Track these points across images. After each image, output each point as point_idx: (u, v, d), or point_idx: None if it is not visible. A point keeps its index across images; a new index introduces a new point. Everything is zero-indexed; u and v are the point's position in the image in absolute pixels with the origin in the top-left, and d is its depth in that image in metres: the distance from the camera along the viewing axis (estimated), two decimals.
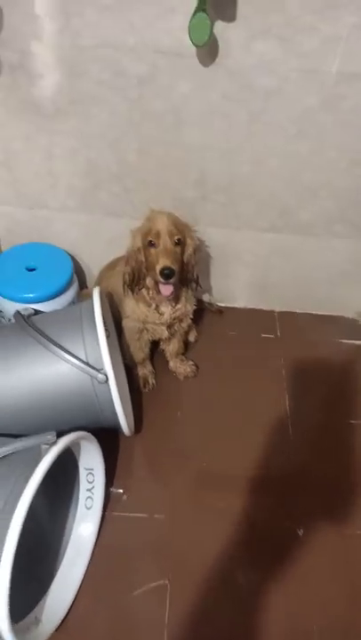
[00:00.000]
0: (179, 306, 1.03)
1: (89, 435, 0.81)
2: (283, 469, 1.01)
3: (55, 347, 0.85)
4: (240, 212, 1.14)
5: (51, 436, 0.71)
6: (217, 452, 1.04)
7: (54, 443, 0.71)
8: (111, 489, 0.94)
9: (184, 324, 1.10)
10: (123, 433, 0.94)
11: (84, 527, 0.87)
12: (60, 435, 0.74)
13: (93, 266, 1.29)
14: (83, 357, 0.85)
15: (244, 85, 0.94)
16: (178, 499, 0.96)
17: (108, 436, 0.94)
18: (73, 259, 1.24)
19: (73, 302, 1.16)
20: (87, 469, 0.87)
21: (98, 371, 0.83)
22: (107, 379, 0.84)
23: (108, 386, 0.84)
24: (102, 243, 1.23)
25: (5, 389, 0.85)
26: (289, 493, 0.97)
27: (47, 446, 0.70)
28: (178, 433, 1.07)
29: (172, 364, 1.18)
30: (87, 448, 0.83)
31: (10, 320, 1.08)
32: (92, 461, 0.86)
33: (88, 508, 0.88)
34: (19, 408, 0.86)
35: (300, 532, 0.91)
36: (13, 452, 0.72)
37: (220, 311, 1.34)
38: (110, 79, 0.95)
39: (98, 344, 0.85)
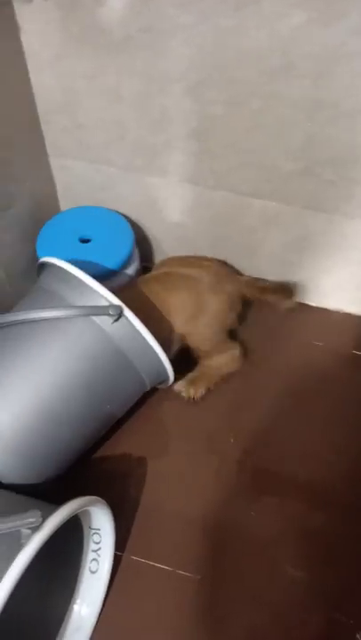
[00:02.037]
0: None
1: (87, 499, 0.63)
2: None
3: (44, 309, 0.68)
4: (356, 195, 0.86)
5: (34, 518, 0.53)
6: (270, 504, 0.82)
7: (37, 527, 0.53)
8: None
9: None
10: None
11: (85, 602, 0.71)
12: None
13: (162, 238, 1.07)
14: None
15: None
16: (211, 556, 0.76)
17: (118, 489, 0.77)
18: (136, 228, 1.03)
19: None
20: (93, 529, 0.69)
21: (104, 307, 0.67)
22: (120, 308, 0.67)
23: (129, 325, 0.68)
24: (173, 212, 1.00)
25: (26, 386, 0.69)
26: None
27: (29, 531, 0.52)
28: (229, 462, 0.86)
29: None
30: (92, 509, 0.66)
31: None
32: (97, 521, 0.69)
33: (93, 572, 0.71)
34: (46, 403, 0.70)
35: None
36: None
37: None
38: (198, 0, 0.69)
39: (89, 288, 0.68)
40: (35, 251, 1.00)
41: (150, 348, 0.71)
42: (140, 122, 0.86)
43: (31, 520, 0.53)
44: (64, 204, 1.08)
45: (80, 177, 1.01)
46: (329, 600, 0.73)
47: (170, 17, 0.71)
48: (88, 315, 0.68)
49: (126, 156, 0.93)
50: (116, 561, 0.73)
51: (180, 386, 0.91)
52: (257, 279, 1.01)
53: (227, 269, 0.98)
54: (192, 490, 0.83)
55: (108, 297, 0.68)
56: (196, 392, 0.92)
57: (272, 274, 1.03)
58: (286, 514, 0.81)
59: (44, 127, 0.94)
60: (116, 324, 0.68)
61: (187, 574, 0.75)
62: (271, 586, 0.74)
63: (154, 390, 0.89)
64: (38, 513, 0.54)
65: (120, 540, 0.72)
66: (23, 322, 0.70)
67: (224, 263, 1.03)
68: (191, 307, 0.86)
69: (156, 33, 0.74)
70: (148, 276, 0.93)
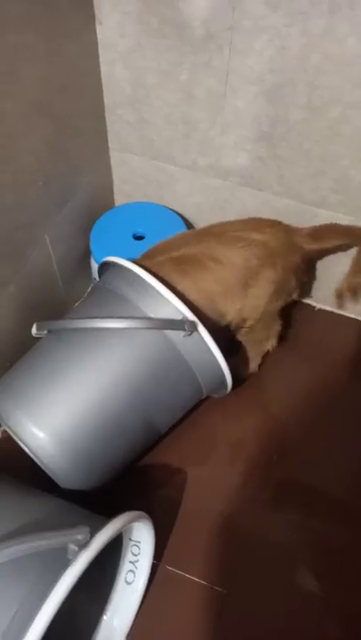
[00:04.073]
0: None
1: (133, 515, 0.61)
2: None
3: (118, 318, 0.66)
4: None
5: (82, 536, 0.51)
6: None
7: (85, 545, 0.51)
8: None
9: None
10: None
11: (117, 612, 0.70)
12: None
13: None
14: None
15: None
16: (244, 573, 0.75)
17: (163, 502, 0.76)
18: (190, 228, 1.01)
19: None
20: (133, 541, 0.68)
21: (180, 322, 0.65)
22: (194, 325, 0.65)
23: (198, 337, 0.67)
24: (230, 216, 0.97)
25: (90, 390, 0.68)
26: None
27: (76, 548, 0.51)
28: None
29: None
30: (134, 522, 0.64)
31: None
32: (139, 533, 0.68)
33: (128, 583, 0.70)
34: (113, 405, 0.69)
35: None
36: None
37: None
38: (291, 0, 0.66)
39: (161, 296, 0.66)
40: (87, 244, 0.98)
41: (216, 362, 0.69)
42: (208, 121, 0.84)
43: (79, 537, 0.52)
44: (119, 199, 1.06)
45: (139, 172, 0.99)
46: (348, 617, 0.72)
47: (258, 16, 0.69)
48: (163, 329, 0.67)
49: (190, 154, 0.90)
50: (152, 570, 0.72)
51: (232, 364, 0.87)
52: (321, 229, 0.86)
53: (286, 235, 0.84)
54: (228, 500, 0.81)
55: (184, 312, 0.66)
56: (250, 369, 0.91)
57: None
58: (307, 527, 0.79)
59: (108, 120, 0.92)
60: (186, 336, 0.66)
61: (217, 588, 0.74)
62: (290, 601, 0.73)
63: None
64: (87, 530, 0.53)
65: (156, 549, 0.70)
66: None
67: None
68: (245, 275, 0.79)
69: (240, 32, 0.71)
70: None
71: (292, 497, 0.82)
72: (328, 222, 0.85)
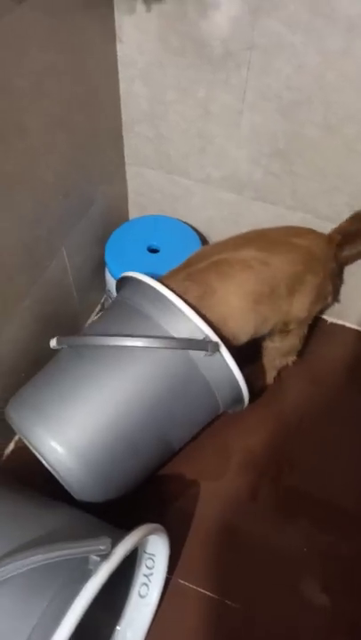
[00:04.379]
0: None
1: (151, 528, 0.61)
2: None
3: (141, 337, 0.67)
4: None
5: (103, 546, 0.51)
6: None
7: (107, 555, 0.51)
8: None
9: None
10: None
11: (131, 625, 0.70)
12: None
13: None
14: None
15: None
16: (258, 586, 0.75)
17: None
18: (204, 241, 1.02)
19: None
20: (147, 553, 0.68)
21: (202, 342, 0.65)
22: (217, 344, 0.65)
23: (218, 356, 0.67)
24: (244, 229, 0.98)
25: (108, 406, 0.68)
26: None
27: (98, 559, 0.51)
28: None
29: None
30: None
31: None
32: (154, 546, 0.68)
33: (142, 597, 0.70)
34: (132, 422, 0.69)
35: None
36: None
37: None
38: (309, 20, 0.67)
39: (183, 315, 0.66)
40: (101, 256, 0.99)
41: (235, 380, 0.70)
42: (224, 137, 0.85)
43: (101, 548, 0.52)
44: (133, 212, 1.08)
45: (154, 186, 1.00)
46: (354, 629, 0.71)
47: (277, 35, 0.70)
48: (185, 349, 0.67)
49: (205, 169, 0.92)
50: (165, 583, 0.71)
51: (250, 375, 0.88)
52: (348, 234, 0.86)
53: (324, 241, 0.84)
54: (240, 513, 0.81)
55: (207, 332, 0.67)
56: (266, 382, 0.92)
57: (349, 300, 1.01)
58: (318, 540, 0.79)
59: (125, 135, 0.94)
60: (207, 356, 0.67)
61: (228, 602, 0.73)
62: (299, 613, 0.73)
63: None
64: (108, 541, 0.53)
65: (169, 562, 0.70)
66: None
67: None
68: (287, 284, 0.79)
69: (259, 51, 0.73)
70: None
71: (303, 509, 0.82)
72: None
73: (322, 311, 1.04)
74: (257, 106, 0.79)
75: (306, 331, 0.90)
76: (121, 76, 0.85)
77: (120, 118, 0.90)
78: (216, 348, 0.66)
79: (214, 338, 0.66)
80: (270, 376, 0.94)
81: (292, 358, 0.93)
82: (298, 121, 0.78)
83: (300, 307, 0.80)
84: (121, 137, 0.93)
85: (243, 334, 0.76)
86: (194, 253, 0.81)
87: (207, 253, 0.77)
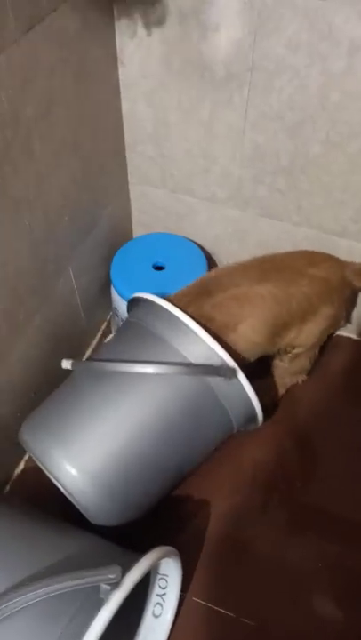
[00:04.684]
0: None
1: (163, 551, 0.61)
2: None
3: (157, 363, 0.67)
4: None
5: (113, 575, 0.51)
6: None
7: (118, 584, 0.51)
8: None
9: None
10: None
11: None
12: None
13: None
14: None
15: None
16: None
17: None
18: (210, 259, 1.02)
19: None
20: (160, 574, 0.68)
21: (220, 368, 0.65)
22: (234, 371, 0.66)
23: (235, 381, 0.67)
24: (249, 246, 0.99)
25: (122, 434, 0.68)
26: None
27: (108, 587, 0.51)
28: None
29: None
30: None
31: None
32: (167, 567, 0.67)
33: (156, 617, 0.69)
34: (148, 454, 0.69)
35: None
36: None
37: None
38: (310, 41, 0.68)
39: (200, 339, 0.66)
40: (107, 275, 1.00)
41: (251, 404, 0.70)
42: (228, 156, 0.86)
43: (111, 577, 0.52)
44: (137, 231, 1.09)
45: (158, 205, 1.01)
46: None
47: (279, 57, 0.71)
48: (202, 374, 0.67)
49: (209, 187, 0.93)
50: (179, 601, 0.71)
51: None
52: None
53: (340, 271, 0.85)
54: (252, 529, 0.81)
55: (224, 358, 0.67)
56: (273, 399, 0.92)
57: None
58: (329, 553, 0.78)
59: (128, 155, 0.95)
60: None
61: (244, 620, 0.73)
62: (313, 627, 0.72)
63: None
64: (118, 569, 0.53)
65: (183, 580, 0.70)
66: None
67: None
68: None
69: (260, 72, 0.74)
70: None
71: (315, 523, 0.82)
72: None
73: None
74: (260, 125, 0.80)
75: (317, 352, 0.90)
76: (123, 97, 0.86)
77: (123, 139, 0.91)
78: (233, 374, 0.66)
79: (231, 363, 0.66)
80: (279, 393, 0.94)
81: (301, 377, 0.94)
82: (301, 139, 0.79)
83: (308, 334, 0.81)
84: (124, 157, 0.94)
85: (251, 356, 0.78)
86: (208, 278, 0.81)
87: (224, 284, 0.77)
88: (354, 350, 1.05)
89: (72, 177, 0.78)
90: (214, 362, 0.67)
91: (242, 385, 0.67)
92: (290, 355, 0.85)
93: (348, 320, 0.97)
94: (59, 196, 0.76)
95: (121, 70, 0.83)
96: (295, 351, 0.84)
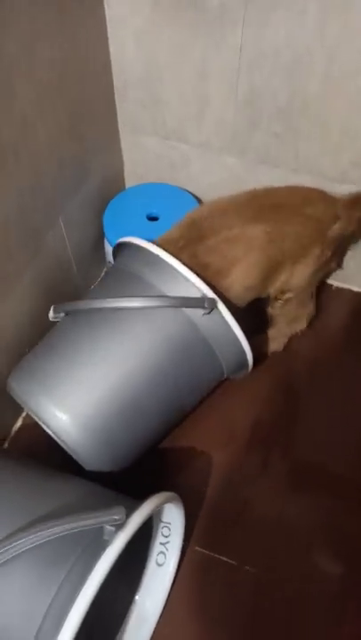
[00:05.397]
0: None
1: (166, 496, 0.61)
2: None
3: (134, 297, 0.66)
4: None
5: (118, 515, 0.51)
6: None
7: (122, 525, 0.51)
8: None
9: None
10: None
11: (150, 594, 0.70)
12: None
13: None
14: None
15: None
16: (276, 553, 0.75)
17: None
18: None
19: None
20: (163, 522, 0.68)
21: (199, 299, 0.65)
22: (214, 302, 0.65)
23: (218, 316, 0.66)
24: None
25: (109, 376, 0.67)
26: None
27: (112, 529, 0.50)
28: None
29: None
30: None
31: None
32: (169, 515, 0.68)
33: (160, 565, 0.70)
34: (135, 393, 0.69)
35: None
36: None
37: None
38: None
39: (180, 275, 0.65)
40: (100, 229, 0.97)
41: (238, 341, 0.68)
42: (223, 98, 0.82)
43: (115, 517, 0.52)
44: (130, 182, 1.05)
45: (151, 154, 0.97)
46: None
47: None
48: (181, 307, 0.66)
49: (203, 133, 0.89)
50: (181, 551, 0.72)
51: (257, 341, 0.90)
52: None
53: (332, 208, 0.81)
54: (249, 481, 0.82)
55: (203, 289, 0.65)
56: (275, 347, 0.92)
57: (354, 264, 0.99)
58: (325, 509, 0.79)
59: (118, 101, 0.90)
60: (206, 315, 0.66)
61: (247, 568, 0.74)
62: (313, 579, 0.73)
63: None
64: (123, 510, 0.52)
65: (184, 530, 0.71)
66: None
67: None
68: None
69: (255, 5, 0.69)
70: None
71: (314, 478, 0.82)
72: None
73: (326, 277, 1.03)
74: (255, 64, 0.76)
75: (312, 297, 0.88)
76: (110, 38, 0.81)
77: (112, 83, 0.87)
78: (213, 304, 0.65)
79: (211, 294, 0.65)
80: (280, 343, 0.93)
81: (301, 326, 0.92)
82: (299, 78, 0.75)
83: (299, 277, 0.79)
84: (114, 103, 0.90)
85: (244, 301, 0.77)
86: (200, 217, 0.77)
87: (217, 226, 0.74)
88: (352, 302, 1.03)
89: (58, 122, 0.75)
90: (194, 295, 0.66)
91: (224, 318, 0.66)
92: (280, 300, 0.84)
93: (339, 265, 0.94)
94: (45, 142, 0.73)
95: (107, 8, 0.78)
96: (286, 296, 0.82)
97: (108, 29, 0.80)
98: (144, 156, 0.98)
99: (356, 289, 1.05)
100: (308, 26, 0.69)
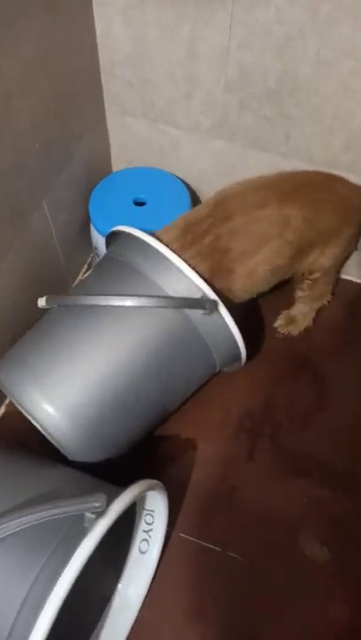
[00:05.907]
0: None
1: (149, 484, 0.60)
2: None
3: (135, 296, 0.64)
4: None
5: (99, 503, 0.50)
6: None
7: (103, 512, 0.50)
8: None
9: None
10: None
11: (132, 581, 0.69)
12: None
13: None
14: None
15: None
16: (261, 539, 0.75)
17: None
18: (194, 195, 0.98)
19: None
20: (146, 510, 0.67)
21: (200, 300, 0.63)
22: (215, 304, 0.63)
23: (216, 314, 0.65)
24: (235, 181, 0.94)
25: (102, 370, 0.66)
26: None
27: (93, 516, 0.49)
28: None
29: None
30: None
31: None
32: (152, 502, 0.67)
33: (143, 552, 0.69)
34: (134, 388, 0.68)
35: None
36: None
37: None
38: None
39: (181, 272, 0.64)
40: (86, 213, 0.95)
41: (233, 339, 0.67)
42: (212, 79, 0.80)
43: (96, 505, 0.51)
44: (117, 166, 1.03)
45: (138, 136, 0.95)
46: (352, 579, 0.72)
47: None
48: (183, 307, 0.64)
49: (192, 115, 0.87)
50: (165, 537, 0.71)
51: (281, 322, 0.92)
52: None
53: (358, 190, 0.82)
54: (236, 470, 0.81)
55: (205, 290, 0.64)
56: (295, 329, 0.93)
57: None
58: (314, 496, 0.79)
59: (104, 80, 0.88)
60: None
61: (231, 554, 0.74)
62: (299, 564, 0.73)
63: None
64: (104, 498, 0.51)
65: (169, 517, 0.70)
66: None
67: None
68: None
69: None
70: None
71: (297, 466, 0.82)
72: None
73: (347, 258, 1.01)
74: (245, 43, 0.74)
75: (335, 276, 0.90)
76: (96, 15, 0.78)
77: (98, 62, 0.84)
78: (214, 306, 0.63)
79: (212, 296, 0.64)
80: (310, 319, 0.94)
81: (328, 298, 0.94)
82: (290, 58, 0.73)
83: (330, 256, 0.79)
84: (100, 83, 0.88)
85: (265, 285, 0.77)
86: (229, 193, 0.75)
87: (246, 205, 0.72)
88: (346, 292, 1.02)
89: (42, 101, 0.72)
90: (195, 295, 0.64)
91: (224, 320, 0.65)
92: (308, 281, 0.84)
93: (356, 247, 0.93)
94: (28, 120, 0.70)
95: None
96: (313, 276, 0.82)
97: (94, 6, 0.78)
98: (132, 139, 0.96)
99: (355, 279, 1.03)
100: (301, 2, 0.67)
